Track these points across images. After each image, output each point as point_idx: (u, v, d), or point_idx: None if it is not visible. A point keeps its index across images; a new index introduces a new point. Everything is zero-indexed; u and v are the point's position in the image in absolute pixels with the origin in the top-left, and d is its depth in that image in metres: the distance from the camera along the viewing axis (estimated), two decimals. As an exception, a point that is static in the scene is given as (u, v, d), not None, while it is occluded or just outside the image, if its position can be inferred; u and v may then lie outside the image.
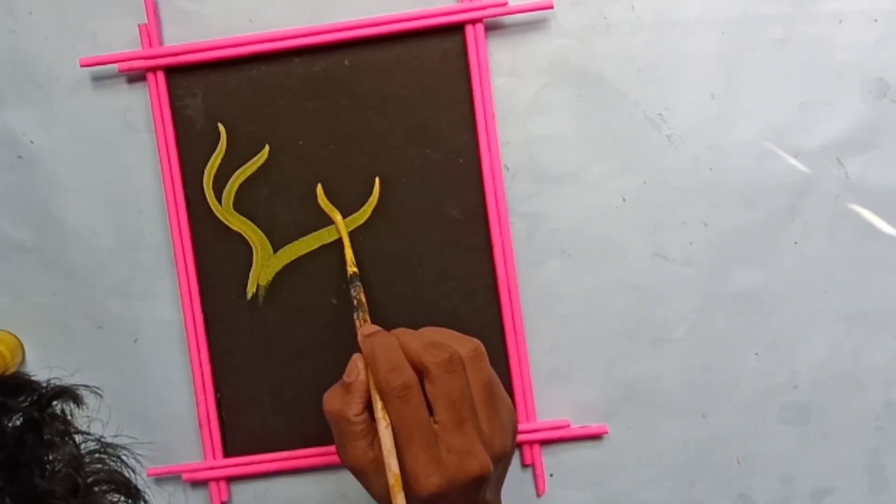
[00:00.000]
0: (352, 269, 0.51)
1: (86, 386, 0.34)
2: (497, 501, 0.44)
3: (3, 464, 0.29)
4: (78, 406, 0.33)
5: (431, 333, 0.43)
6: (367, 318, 0.47)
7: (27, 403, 0.31)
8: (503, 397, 0.44)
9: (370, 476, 0.41)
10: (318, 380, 0.54)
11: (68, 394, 0.33)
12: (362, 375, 0.42)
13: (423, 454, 0.39)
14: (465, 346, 0.42)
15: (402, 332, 0.43)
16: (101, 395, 0.34)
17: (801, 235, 0.53)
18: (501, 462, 0.42)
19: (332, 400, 0.42)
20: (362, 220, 0.54)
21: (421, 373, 0.41)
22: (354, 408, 0.41)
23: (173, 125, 0.53)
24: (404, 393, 0.40)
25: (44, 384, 0.32)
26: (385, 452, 0.40)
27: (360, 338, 0.44)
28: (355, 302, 0.48)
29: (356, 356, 0.43)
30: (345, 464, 0.43)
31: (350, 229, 0.54)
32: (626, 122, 0.53)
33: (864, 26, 0.52)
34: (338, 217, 0.52)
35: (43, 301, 0.55)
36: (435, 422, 0.40)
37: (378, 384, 0.41)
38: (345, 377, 0.42)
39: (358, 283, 0.50)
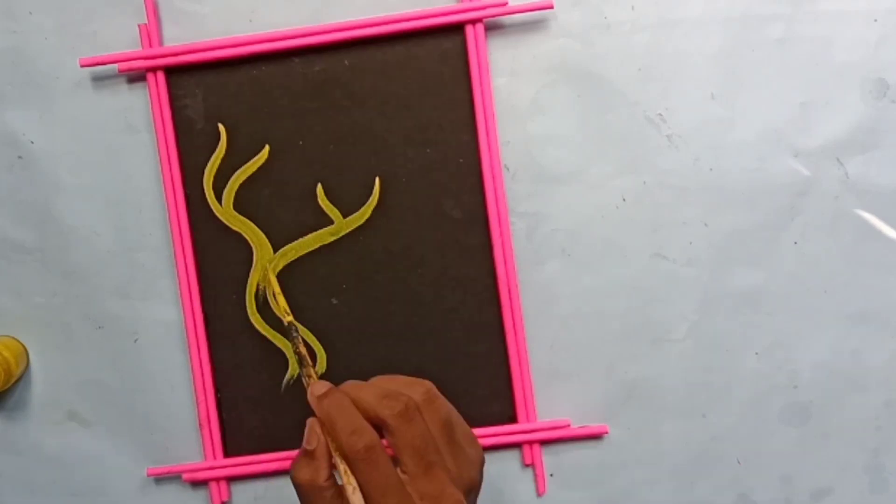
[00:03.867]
0: (287, 318, 0.47)
1: None
2: None
3: None
4: None
5: (382, 382, 0.43)
6: (312, 371, 0.45)
7: None
8: (464, 430, 0.43)
9: None
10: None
11: None
12: (323, 440, 0.41)
13: None
14: (417, 389, 0.42)
15: (353, 387, 0.42)
16: None
17: (801, 235, 0.53)
18: (472, 493, 0.42)
19: (301, 470, 0.41)
20: (362, 220, 0.54)
21: (379, 426, 0.41)
22: (323, 473, 0.40)
23: (173, 125, 0.53)
24: (369, 455, 0.39)
25: None
26: None
27: (310, 399, 0.42)
28: (297, 357, 0.46)
29: (312, 421, 0.42)
30: None
31: (350, 229, 0.54)
32: (626, 122, 0.53)
33: (864, 26, 0.52)
34: (270, 276, 0.52)
35: (43, 301, 0.55)
36: (403, 472, 0.40)
37: (341, 449, 0.40)
38: (305, 445, 0.41)
39: (296, 333, 0.47)
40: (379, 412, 0.40)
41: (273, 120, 0.54)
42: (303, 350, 0.46)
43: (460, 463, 0.41)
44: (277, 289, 0.50)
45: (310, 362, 0.46)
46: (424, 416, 0.41)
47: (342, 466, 0.40)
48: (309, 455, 0.41)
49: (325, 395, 0.42)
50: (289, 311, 0.48)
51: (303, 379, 0.45)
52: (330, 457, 0.41)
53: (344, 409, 0.41)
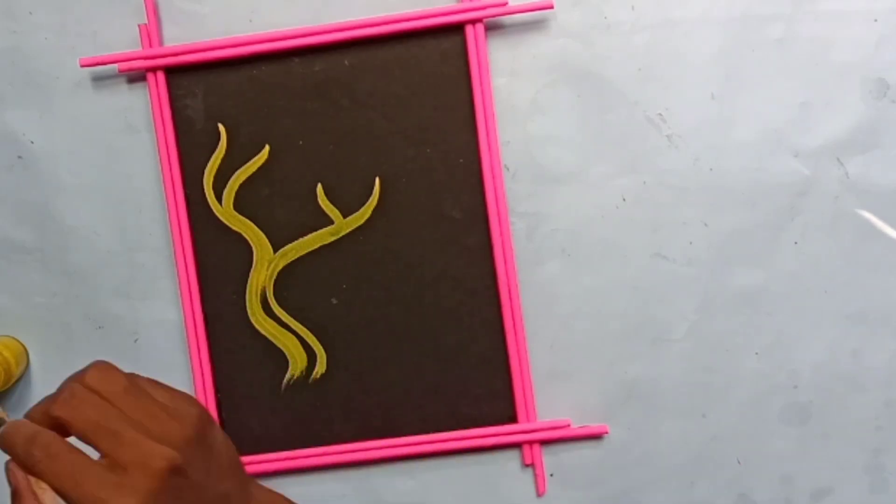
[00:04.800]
0: None
1: None
2: (244, 480, 0.42)
3: None
4: None
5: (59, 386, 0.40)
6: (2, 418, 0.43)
7: None
8: (161, 387, 0.41)
9: None
10: (318, 379, 0.54)
11: None
12: (21, 475, 0.38)
13: (100, 490, 0.36)
14: (87, 372, 0.39)
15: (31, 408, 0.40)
16: None
17: (801, 235, 0.53)
18: (196, 441, 0.40)
19: None
20: (362, 220, 0.54)
21: (63, 429, 0.38)
22: None
23: (173, 125, 0.53)
24: (47, 451, 0.37)
25: None
26: None
27: None
28: None
29: (5, 464, 0.39)
30: None
31: (350, 229, 0.54)
32: (626, 122, 0.53)
33: (864, 26, 0.52)
34: None
35: (43, 301, 0.55)
36: (102, 456, 0.37)
37: (24, 464, 0.37)
38: (13, 498, 0.38)
39: None
40: (50, 412, 0.38)
41: (273, 120, 0.54)
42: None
43: (161, 419, 0.39)
44: None
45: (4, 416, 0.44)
46: (100, 392, 0.39)
47: (31, 481, 0.37)
48: (17, 498, 0.38)
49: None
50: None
51: None
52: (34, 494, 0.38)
53: (16, 427, 0.38)
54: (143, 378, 0.41)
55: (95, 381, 0.39)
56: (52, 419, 0.38)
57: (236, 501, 0.41)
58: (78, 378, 0.39)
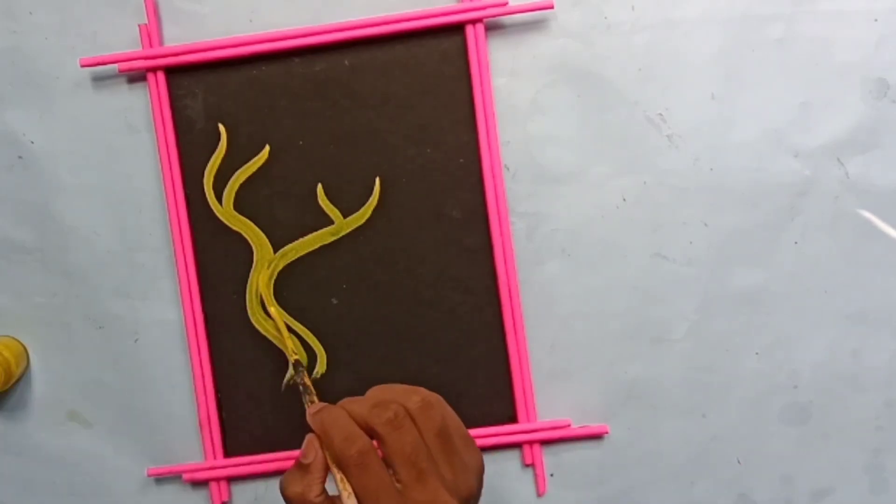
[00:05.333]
0: (293, 356, 0.51)
1: None
2: None
3: None
4: None
5: (377, 393, 0.43)
6: (315, 399, 0.47)
7: None
8: (464, 437, 0.43)
9: None
10: (318, 379, 0.54)
11: None
12: (320, 454, 0.41)
13: None
14: (412, 397, 0.42)
15: (348, 401, 0.43)
16: None
17: (801, 235, 0.53)
18: (471, 501, 0.42)
19: (293, 483, 0.41)
20: (362, 220, 0.54)
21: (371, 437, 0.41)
22: (315, 488, 0.41)
23: (173, 125, 0.53)
24: (361, 459, 0.40)
25: None
26: None
27: (308, 418, 0.43)
28: (301, 387, 0.48)
29: (310, 437, 0.42)
30: None
31: (350, 229, 0.54)
32: (626, 122, 0.53)
33: (864, 26, 0.52)
34: (275, 312, 0.53)
35: (43, 301, 0.55)
36: (397, 481, 0.40)
37: (334, 457, 0.41)
38: (301, 459, 0.42)
39: (302, 368, 0.50)
40: (370, 421, 0.40)
41: (273, 120, 0.54)
42: (307, 381, 0.48)
43: (457, 470, 0.41)
44: (284, 329, 0.53)
45: (313, 391, 0.48)
46: (418, 424, 0.41)
47: (338, 475, 0.41)
48: (303, 469, 0.41)
49: (320, 410, 0.42)
50: (296, 350, 0.52)
51: (305, 405, 0.47)
52: (324, 472, 0.41)
53: (337, 419, 0.41)
54: (449, 416, 0.43)
55: (417, 413, 0.41)
56: (370, 429, 0.41)
57: None
58: (403, 401, 0.41)
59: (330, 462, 0.41)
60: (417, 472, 0.40)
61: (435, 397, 0.43)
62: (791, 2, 0.52)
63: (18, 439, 0.55)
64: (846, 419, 0.54)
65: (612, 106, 0.53)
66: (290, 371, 0.54)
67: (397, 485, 0.40)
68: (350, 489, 0.40)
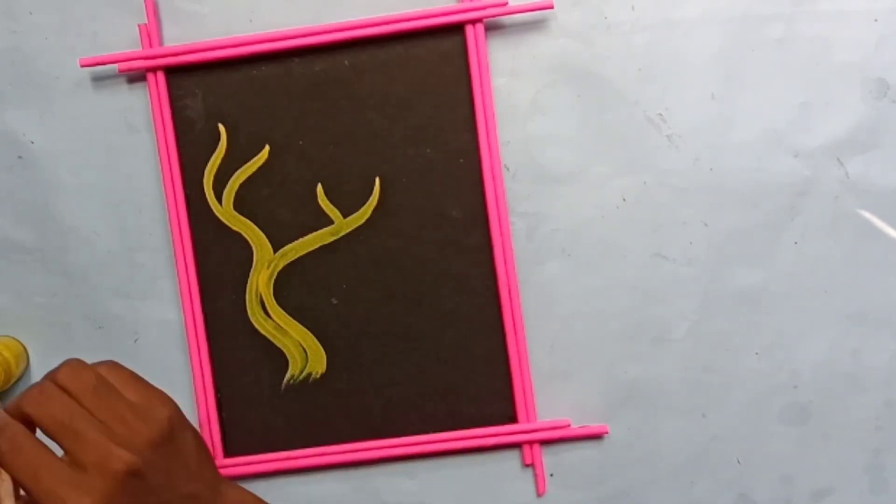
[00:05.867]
0: None
1: None
2: (215, 480, 0.42)
3: None
4: None
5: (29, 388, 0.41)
6: None
7: None
8: (133, 383, 0.42)
9: None
10: (318, 379, 0.54)
11: None
12: None
13: (58, 486, 0.37)
14: (58, 369, 0.41)
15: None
16: None
17: (801, 235, 0.53)
18: (161, 443, 0.40)
19: None
20: (362, 220, 0.54)
21: (32, 425, 0.39)
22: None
23: (173, 125, 0.53)
24: (12, 444, 0.38)
25: None
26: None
27: None
28: None
29: None
30: None
31: (350, 229, 0.54)
32: (626, 122, 0.53)
33: (864, 26, 0.52)
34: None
35: (43, 301, 0.55)
36: (66, 454, 0.38)
37: None
38: None
39: None
40: (19, 408, 0.39)
41: (273, 120, 0.54)
42: None
43: (129, 419, 0.39)
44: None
45: None
46: (69, 390, 0.39)
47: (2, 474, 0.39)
48: None
49: None
50: None
51: None
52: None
53: None
54: (121, 373, 0.42)
55: (66, 379, 0.40)
56: (22, 414, 0.39)
57: (205, 502, 0.41)
58: (50, 375, 0.40)
59: None
60: (75, 434, 0.38)
61: (79, 360, 0.41)
62: (791, 2, 0.52)
63: (18, 439, 0.55)
64: (846, 419, 0.54)
65: (612, 106, 0.53)
66: (290, 370, 0.54)
67: (65, 458, 0.38)
68: (5, 477, 0.38)
